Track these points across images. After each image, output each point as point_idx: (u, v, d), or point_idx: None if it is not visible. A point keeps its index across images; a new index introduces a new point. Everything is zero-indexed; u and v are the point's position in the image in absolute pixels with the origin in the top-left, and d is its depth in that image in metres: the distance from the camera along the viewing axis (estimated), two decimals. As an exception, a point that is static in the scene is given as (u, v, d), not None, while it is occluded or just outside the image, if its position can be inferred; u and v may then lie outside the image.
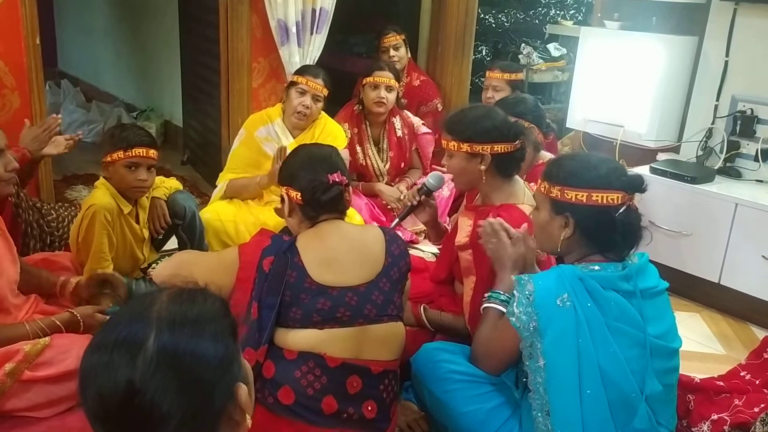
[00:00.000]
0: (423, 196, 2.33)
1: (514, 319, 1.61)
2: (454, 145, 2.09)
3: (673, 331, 1.71)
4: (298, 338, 1.70)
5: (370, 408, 1.72)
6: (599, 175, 1.64)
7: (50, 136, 2.58)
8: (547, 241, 1.75)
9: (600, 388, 1.54)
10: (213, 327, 0.90)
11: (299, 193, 1.81)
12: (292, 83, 3.05)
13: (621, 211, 1.62)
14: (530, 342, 1.60)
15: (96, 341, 0.88)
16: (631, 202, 1.64)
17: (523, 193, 2.14)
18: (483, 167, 2.06)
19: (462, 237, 2.12)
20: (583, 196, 1.63)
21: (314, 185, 1.80)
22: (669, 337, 1.68)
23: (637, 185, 1.66)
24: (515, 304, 1.62)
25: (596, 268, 1.63)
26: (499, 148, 2.05)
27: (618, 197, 1.62)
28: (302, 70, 3.13)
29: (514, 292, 1.64)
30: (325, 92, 3.05)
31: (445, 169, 2.28)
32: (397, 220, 2.44)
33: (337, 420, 1.69)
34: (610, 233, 1.64)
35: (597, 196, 1.62)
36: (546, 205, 1.71)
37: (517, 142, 2.08)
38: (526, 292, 1.60)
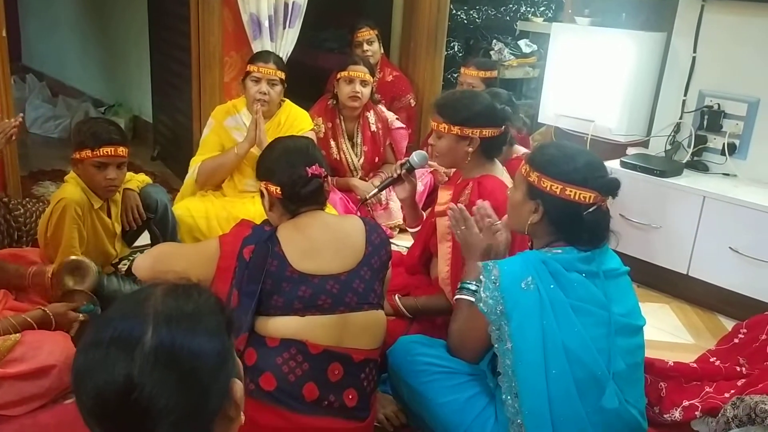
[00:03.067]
0: (404, 171, 2.36)
1: (481, 304, 1.64)
2: (444, 127, 2.17)
3: (637, 310, 1.75)
4: (279, 325, 1.72)
5: (351, 396, 1.74)
6: (577, 169, 1.65)
7: (6, 138, 2.47)
8: (516, 221, 1.78)
9: (565, 367, 1.58)
10: (209, 322, 0.89)
11: (279, 188, 1.82)
12: (247, 74, 3.04)
13: (590, 210, 1.64)
14: (498, 325, 1.63)
15: (90, 339, 0.87)
16: (603, 203, 1.66)
17: (501, 173, 2.23)
18: (471, 149, 2.16)
19: (441, 204, 2.21)
20: (557, 188, 1.65)
21: (294, 179, 1.81)
22: (633, 315, 1.72)
23: (612, 189, 1.67)
24: (482, 289, 1.65)
25: (559, 251, 1.67)
26: (487, 132, 2.16)
27: (590, 196, 1.64)
28: (252, 59, 3.12)
29: (481, 277, 1.67)
30: (280, 74, 3.02)
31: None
32: (375, 189, 2.45)
33: (318, 407, 1.70)
34: (576, 228, 1.66)
35: (570, 191, 1.64)
36: (522, 187, 1.74)
37: (503, 126, 2.19)
38: (492, 277, 1.64)
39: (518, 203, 1.75)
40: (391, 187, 2.48)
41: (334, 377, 1.72)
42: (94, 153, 2.34)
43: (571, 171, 1.65)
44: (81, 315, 2.15)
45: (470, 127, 2.14)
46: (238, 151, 2.97)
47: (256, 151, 2.83)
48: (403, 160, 2.39)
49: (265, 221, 1.93)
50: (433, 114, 2.25)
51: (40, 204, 2.82)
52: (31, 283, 2.20)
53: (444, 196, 2.24)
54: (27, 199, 2.94)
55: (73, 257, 2.27)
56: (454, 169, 2.39)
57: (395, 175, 2.38)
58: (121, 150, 2.38)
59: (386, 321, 1.88)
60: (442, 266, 2.19)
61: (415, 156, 2.39)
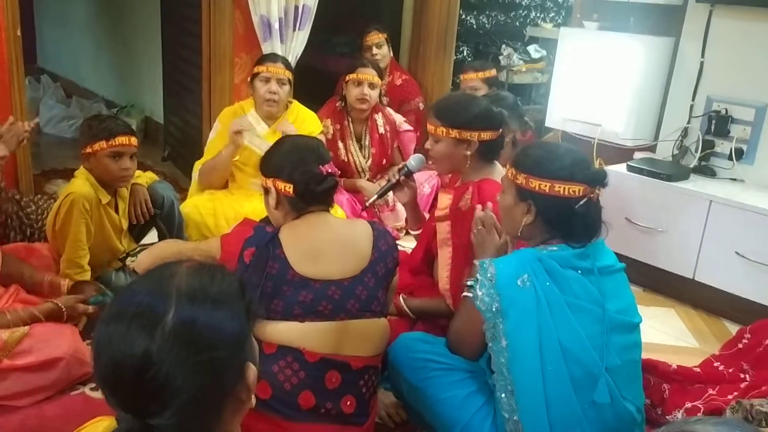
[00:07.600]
0: (403, 177, 2.33)
1: (478, 301, 1.65)
2: (442, 131, 2.14)
3: (633, 308, 1.75)
4: (277, 331, 1.68)
5: (348, 403, 1.71)
6: (563, 166, 1.68)
7: (18, 141, 2.48)
8: (509, 224, 1.79)
9: (561, 364, 1.58)
10: (231, 305, 0.90)
11: (290, 185, 1.77)
12: (255, 74, 3.08)
13: (581, 203, 1.66)
14: (493, 323, 1.63)
15: (113, 311, 0.88)
16: (593, 195, 1.68)
17: (500, 175, 2.18)
18: (468, 153, 2.13)
19: (442, 209, 2.20)
20: (546, 186, 1.67)
21: (308, 177, 1.76)
22: (629, 312, 1.72)
23: (599, 179, 1.69)
24: (478, 286, 1.66)
25: (554, 248, 1.68)
26: (485, 135, 2.13)
27: (579, 189, 1.66)
28: (260, 60, 3.16)
29: (477, 275, 1.68)
30: (288, 74, 3.07)
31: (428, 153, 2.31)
32: (375, 196, 2.42)
33: (314, 415, 1.68)
34: (570, 223, 1.68)
35: (559, 187, 1.66)
36: (511, 190, 1.75)
37: (500, 129, 2.17)
38: (488, 275, 1.64)
39: (510, 206, 1.76)
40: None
41: (331, 385, 1.69)
42: (109, 144, 2.40)
43: (557, 168, 1.68)
44: (90, 307, 2.18)
45: (469, 131, 2.11)
46: (225, 152, 2.99)
47: (258, 152, 2.88)
48: (401, 165, 2.37)
49: (266, 220, 1.91)
50: (429, 118, 2.21)
51: (52, 201, 2.85)
52: (48, 293, 2.24)
53: (444, 200, 2.21)
54: (39, 196, 2.98)
55: (82, 280, 2.35)
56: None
57: (394, 181, 2.35)
58: (133, 140, 2.48)
59: (389, 328, 1.84)
60: (443, 272, 2.17)
61: (412, 160, 2.36)
